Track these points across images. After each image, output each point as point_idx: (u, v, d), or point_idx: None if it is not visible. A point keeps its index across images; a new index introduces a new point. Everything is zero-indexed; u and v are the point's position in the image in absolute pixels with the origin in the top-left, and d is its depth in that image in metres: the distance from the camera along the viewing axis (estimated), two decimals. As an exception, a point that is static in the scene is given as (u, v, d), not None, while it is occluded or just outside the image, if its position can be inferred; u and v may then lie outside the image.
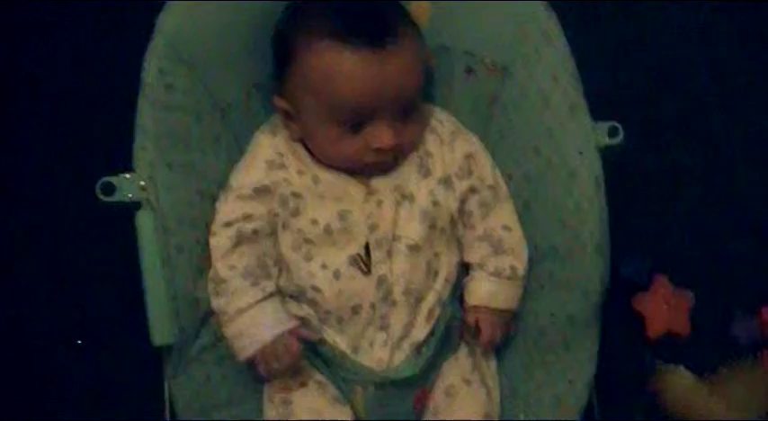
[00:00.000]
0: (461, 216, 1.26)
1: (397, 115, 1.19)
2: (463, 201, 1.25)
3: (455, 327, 1.25)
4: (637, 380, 1.43)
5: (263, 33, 1.24)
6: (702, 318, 1.48)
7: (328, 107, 1.17)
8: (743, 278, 1.50)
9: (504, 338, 1.26)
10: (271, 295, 1.19)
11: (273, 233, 1.23)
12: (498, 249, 1.24)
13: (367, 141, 1.18)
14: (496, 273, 1.22)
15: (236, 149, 1.26)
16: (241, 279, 1.18)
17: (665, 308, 1.47)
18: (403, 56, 1.17)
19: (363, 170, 1.22)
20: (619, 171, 1.24)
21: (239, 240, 1.21)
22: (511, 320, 1.26)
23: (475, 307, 1.23)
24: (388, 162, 1.22)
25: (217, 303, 1.19)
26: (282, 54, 1.22)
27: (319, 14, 1.18)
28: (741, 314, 1.49)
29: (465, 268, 1.29)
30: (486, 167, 1.27)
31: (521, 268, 1.24)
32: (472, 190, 1.25)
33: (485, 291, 1.23)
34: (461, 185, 1.25)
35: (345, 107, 1.17)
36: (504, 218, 1.26)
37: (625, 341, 1.45)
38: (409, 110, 1.20)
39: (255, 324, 1.18)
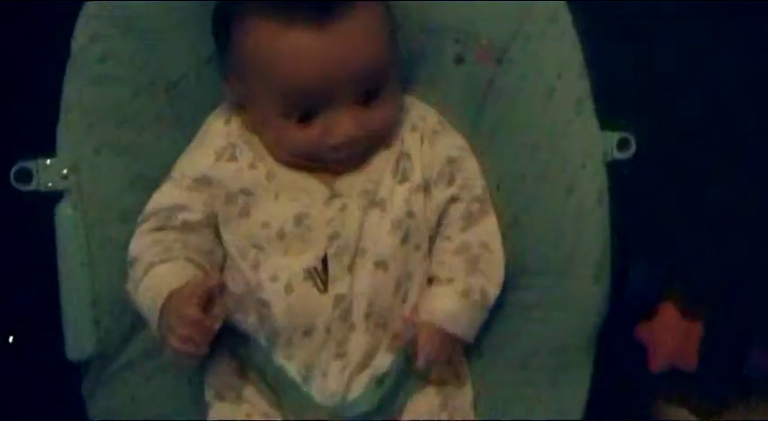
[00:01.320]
0: (437, 226, 1.10)
1: (357, 99, 1.02)
2: (441, 213, 1.09)
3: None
4: (634, 416, 1.32)
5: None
6: (712, 348, 1.37)
7: (271, 95, 1.01)
8: (761, 301, 1.39)
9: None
10: (177, 258, 1.03)
11: (210, 228, 1.07)
12: (473, 268, 1.08)
13: (322, 134, 1.02)
14: (465, 294, 1.06)
15: (181, 132, 1.11)
16: (147, 250, 1.03)
17: (671, 338, 1.36)
18: (357, 27, 1.00)
19: (326, 166, 1.06)
20: (629, 172, 1.13)
21: (163, 226, 1.06)
22: (458, 350, 1.10)
23: (426, 323, 1.05)
24: (353, 157, 1.05)
25: (127, 286, 1.04)
26: (220, 35, 1.06)
27: None
28: (757, 345, 1.38)
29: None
30: (472, 174, 1.11)
31: (492, 294, 1.08)
32: (453, 200, 1.09)
33: (446, 310, 1.06)
34: (441, 194, 1.09)
35: (290, 94, 1.01)
36: (485, 234, 1.10)
37: (624, 372, 1.33)
38: (373, 91, 1.03)
39: (157, 281, 1.01)
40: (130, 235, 1.07)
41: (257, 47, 1.00)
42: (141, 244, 1.05)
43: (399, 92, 1.09)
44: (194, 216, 1.05)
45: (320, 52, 0.98)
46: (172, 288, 0.98)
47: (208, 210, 1.06)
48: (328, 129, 1.02)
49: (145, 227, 1.06)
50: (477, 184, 1.10)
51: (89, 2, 1.06)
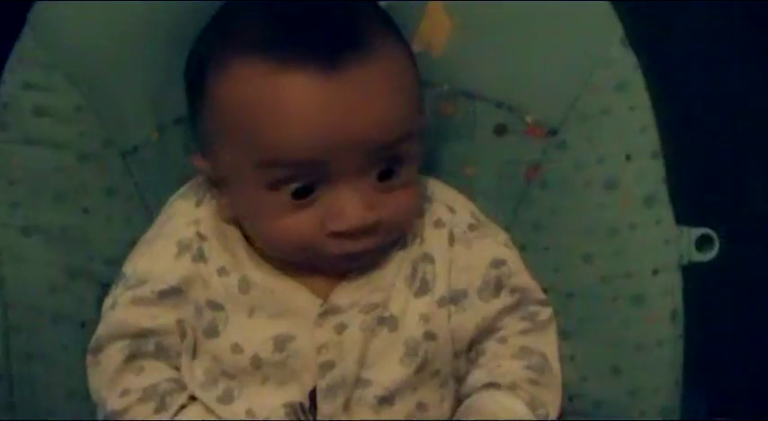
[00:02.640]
0: (469, 345, 0.88)
1: (369, 175, 0.80)
2: (484, 329, 0.88)
3: None
4: None
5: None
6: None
7: (255, 162, 0.79)
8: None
9: None
10: (182, 407, 0.85)
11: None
12: (538, 380, 0.87)
13: (320, 218, 0.79)
14: (532, 405, 0.86)
15: (141, 210, 0.92)
16: (142, 405, 0.83)
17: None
18: (377, 79, 0.78)
19: (322, 265, 0.83)
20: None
21: (134, 355, 0.85)
22: None
23: None
24: (359, 254, 0.82)
25: None
26: (193, 85, 0.84)
27: (245, 19, 0.81)
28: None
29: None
30: (526, 276, 0.90)
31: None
32: (506, 311, 0.88)
33: (512, 415, 0.85)
34: (487, 308, 0.87)
35: (280, 162, 0.78)
36: (546, 345, 0.90)
37: None
38: (392, 166, 0.81)
39: None
40: (68, 343, 0.88)
41: (242, 93, 0.78)
42: (115, 391, 0.84)
43: (419, 162, 0.86)
44: (167, 340, 0.85)
45: (324, 103, 0.76)
46: None
47: (181, 328, 0.85)
48: (329, 210, 0.79)
49: (111, 361, 0.84)
50: (533, 286, 0.90)
51: (22, 42, 0.86)
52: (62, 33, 0.86)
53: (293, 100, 0.76)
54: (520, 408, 0.85)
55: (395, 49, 0.81)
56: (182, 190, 0.89)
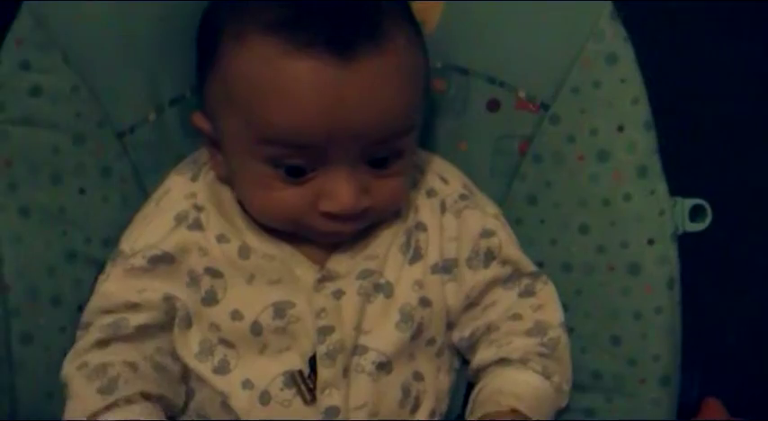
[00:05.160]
0: (462, 312, 0.89)
1: (365, 162, 0.80)
2: (482, 294, 0.88)
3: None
4: None
5: (190, 24, 0.86)
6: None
7: (257, 137, 0.79)
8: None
9: None
10: (128, 401, 0.80)
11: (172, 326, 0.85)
12: (552, 353, 0.88)
13: (312, 196, 0.80)
14: (546, 375, 0.87)
15: (137, 191, 0.91)
16: (85, 380, 0.81)
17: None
18: (385, 69, 0.78)
19: (308, 236, 0.84)
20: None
21: (108, 338, 0.83)
22: None
23: (512, 412, 0.84)
24: (346, 231, 0.83)
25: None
26: (205, 51, 0.84)
27: None
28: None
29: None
30: (515, 249, 0.90)
31: (566, 395, 0.89)
32: (498, 282, 0.89)
33: (532, 388, 0.86)
34: (476, 277, 0.88)
35: (280, 141, 0.78)
36: (555, 318, 0.90)
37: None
38: (389, 155, 0.81)
39: None
40: (66, 325, 0.86)
41: (254, 70, 0.78)
42: (75, 365, 0.82)
43: (416, 149, 0.87)
44: (151, 316, 0.83)
45: (333, 93, 0.76)
46: None
47: (169, 304, 0.84)
48: (322, 192, 0.80)
49: (86, 339, 0.83)
50: (523, 258, 0.90)
51: (18, 23, 0.85)
52: (59, 13, 0.86)
53: (303, 85, 0.76)
54: (533, 379, 0.86)
55: (411, 43, 0.81)
56: (177, 167, 0.89)
